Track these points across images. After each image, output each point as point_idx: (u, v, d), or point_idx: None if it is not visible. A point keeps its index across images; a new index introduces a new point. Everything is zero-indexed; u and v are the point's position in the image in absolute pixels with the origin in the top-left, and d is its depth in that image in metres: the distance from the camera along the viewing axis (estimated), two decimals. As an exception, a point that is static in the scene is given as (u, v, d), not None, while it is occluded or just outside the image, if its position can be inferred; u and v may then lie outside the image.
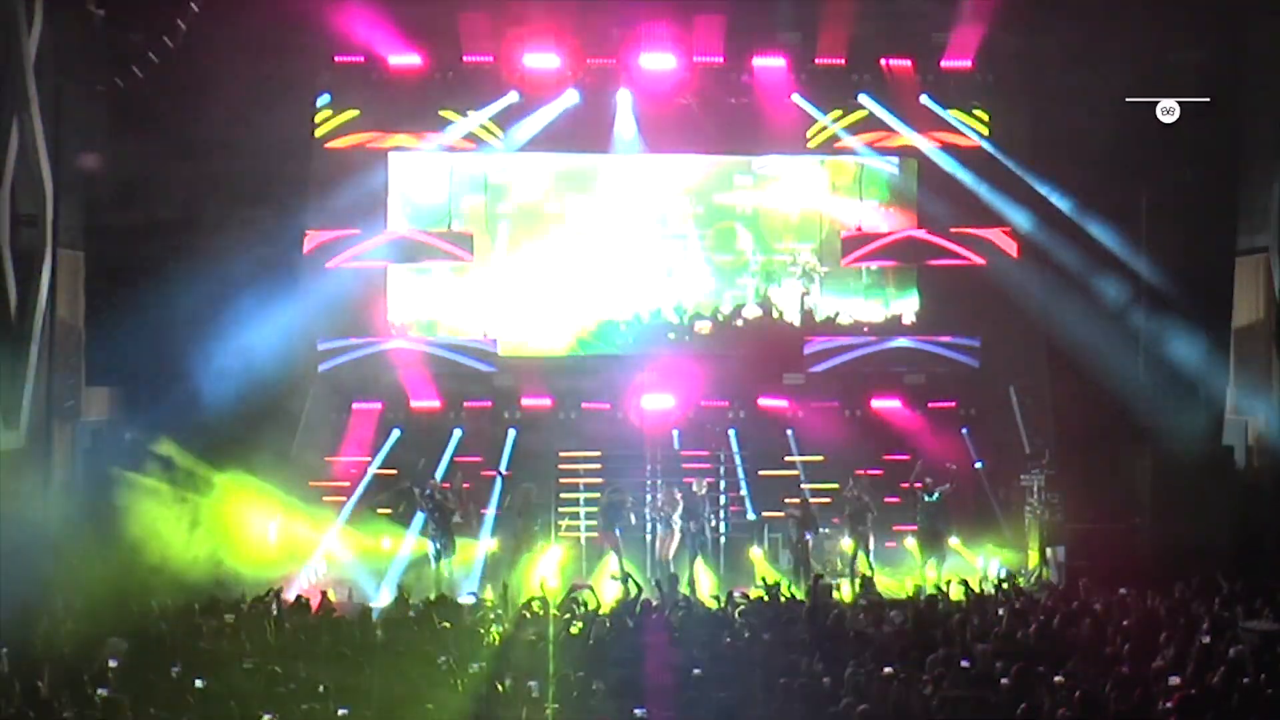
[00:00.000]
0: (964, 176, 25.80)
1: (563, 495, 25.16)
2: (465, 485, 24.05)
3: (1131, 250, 22.36)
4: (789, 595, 19.14)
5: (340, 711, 13.10)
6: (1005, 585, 19.99)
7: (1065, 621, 16.86)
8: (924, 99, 25.83)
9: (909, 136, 25.96)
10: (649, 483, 25.12)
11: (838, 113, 25.96)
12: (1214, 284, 22.60)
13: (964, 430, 25.72)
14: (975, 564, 23.44)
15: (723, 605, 18.13)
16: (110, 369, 22.11)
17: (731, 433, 25.93)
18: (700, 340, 26.46)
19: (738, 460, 25.55)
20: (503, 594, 18.87)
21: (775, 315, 26.67)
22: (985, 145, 25.61)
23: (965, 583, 19.39)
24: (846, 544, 23.70)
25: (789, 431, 25.99)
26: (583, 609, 17.67)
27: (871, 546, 23.40)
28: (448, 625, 16.54)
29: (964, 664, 14.80)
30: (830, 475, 24.86)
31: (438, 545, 22.65)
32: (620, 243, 26.68)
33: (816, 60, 25.60)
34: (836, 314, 26.80)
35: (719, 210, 26.81)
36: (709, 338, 26.49)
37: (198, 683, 13.95)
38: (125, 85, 21.24)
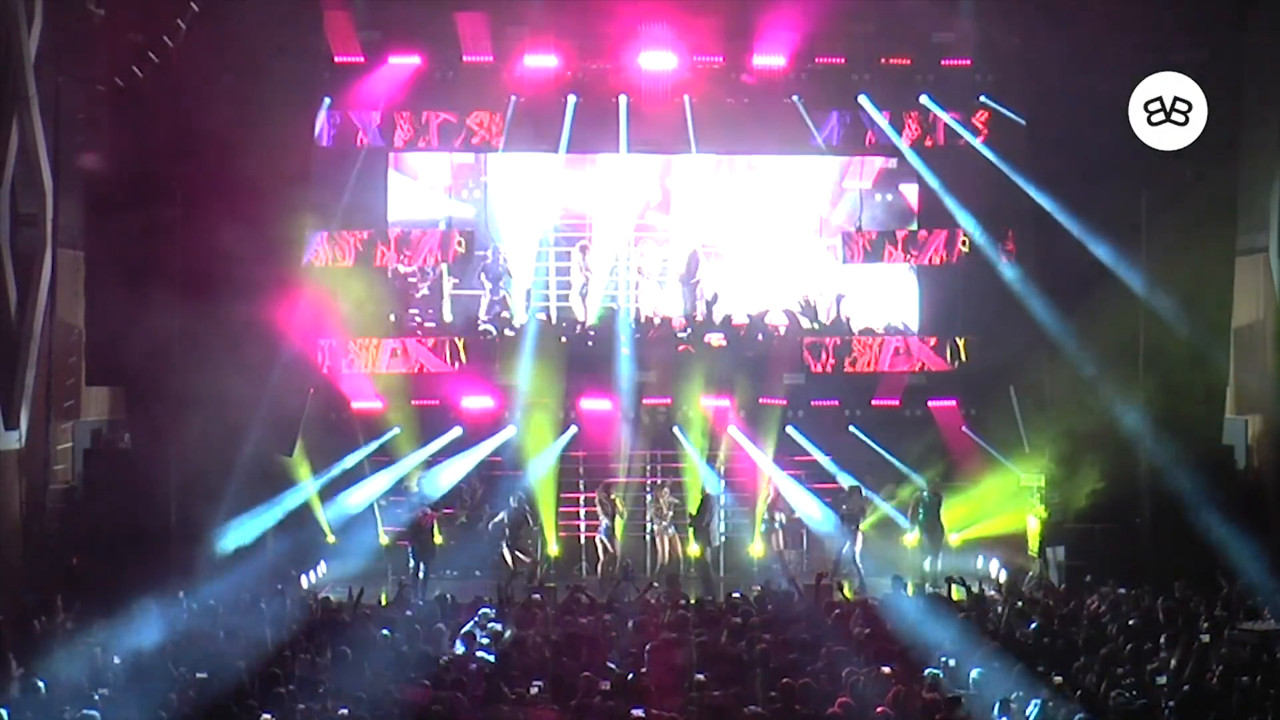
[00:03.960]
0: (962, 176, 25.84)
1: (563, 495, 25.27)
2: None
3: (1131, 250, 22.34)
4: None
5: (341, 711, 13.13)
6: (1005, 585, 20.03)
7: (1065, 621, 16.88)
8: (924, 99, 25.89)
9: (908, 136, 26.05)
10: (649, 483, 25.16)
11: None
12: (1214, 284, 22.57)
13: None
14: (975, 564, 23.46)
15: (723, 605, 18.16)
16: (110, 369, 22.08)
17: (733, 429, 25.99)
18: (710, 351, 26.50)
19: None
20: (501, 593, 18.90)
21: (805, 324, 26.68)
22: (985, 144, 25.64)
23: (964, 582, 19.41)
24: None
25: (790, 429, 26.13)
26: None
27: (859, 548, 23.53)
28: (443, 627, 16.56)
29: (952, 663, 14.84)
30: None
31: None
32: (624, 243, 26.76)
33: (817, 60, 25.63)
34: (886, 326, 26.81)
35: (732, 207, 26.88)
36: (718, 349, 26.52)
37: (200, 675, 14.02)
38: (125, 85, 21.20)
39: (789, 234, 27.03)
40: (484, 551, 23.79)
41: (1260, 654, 15.35)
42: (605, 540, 23.88)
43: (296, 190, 22.22)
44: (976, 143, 25.69)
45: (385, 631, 16.15)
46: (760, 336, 26.65)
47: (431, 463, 24.74)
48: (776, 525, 24.27)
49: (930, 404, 26.40)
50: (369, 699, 13.39)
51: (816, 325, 26.72)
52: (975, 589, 19.27)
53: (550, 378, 25.93)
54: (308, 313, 23.01)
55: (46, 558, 20.76)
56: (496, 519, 23.93)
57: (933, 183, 26.17)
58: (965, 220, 25.77)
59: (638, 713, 13.03)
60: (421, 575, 22.53)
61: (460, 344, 25.62)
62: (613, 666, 14.73)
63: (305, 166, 22.75)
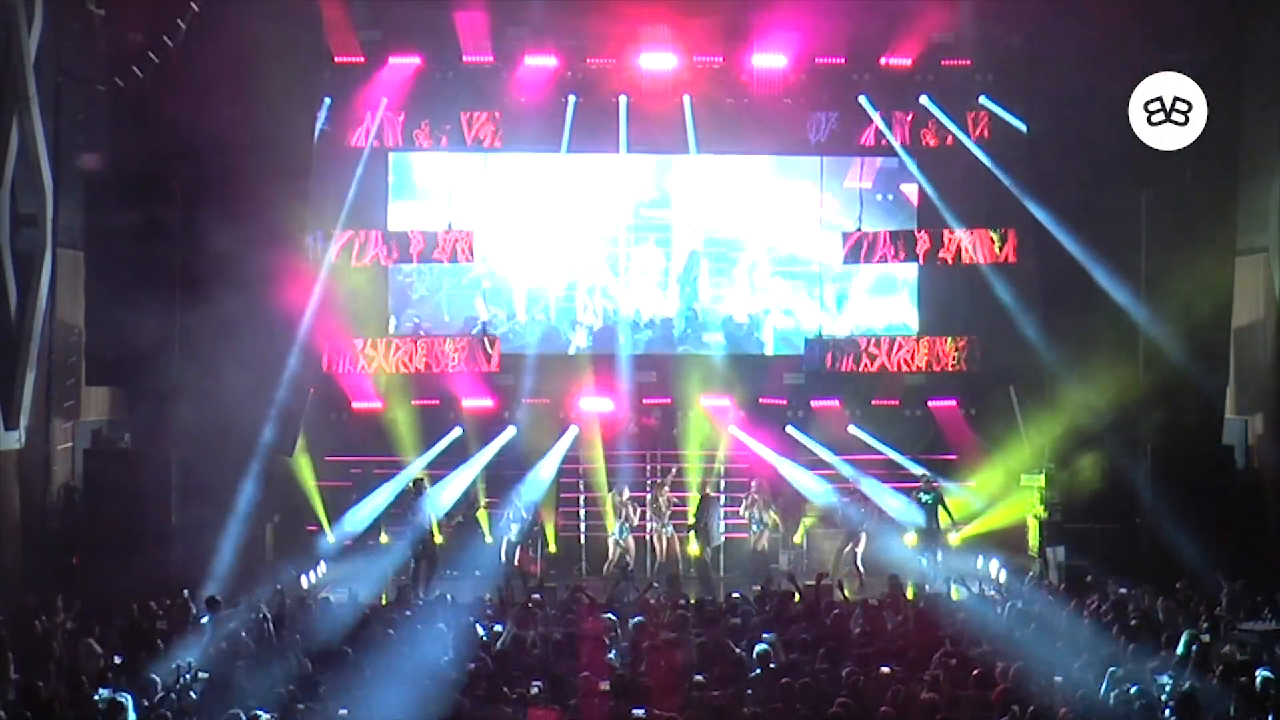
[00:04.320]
0: (962, 176, 25.83)
1: (563, 495, 25.28)
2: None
3: (1131, 251, 22.36)
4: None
5: (341, 711, 13.12)
6: (1005, 585, 19.99)
7: (1066, 621, 16.89)
8: (924, 99, 25.88)
9: (908, 136, 26.06)
10: (649, 483, 25.17)
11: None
12: (1214, 284, 22.57)
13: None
14: (975, 564, 23.46)
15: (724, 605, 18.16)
16: (110, 369, 22.08)
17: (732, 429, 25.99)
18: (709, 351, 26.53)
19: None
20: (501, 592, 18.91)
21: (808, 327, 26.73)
22: (984, 145, 25.63)
23: (964, 582, 19.41)
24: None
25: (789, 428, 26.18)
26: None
27: (862, 548, 23.56)
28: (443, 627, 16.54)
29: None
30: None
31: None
32: (619, 244, 26.76)
33: (817, 60, 25.62)
34: (886, 325, 26.81)
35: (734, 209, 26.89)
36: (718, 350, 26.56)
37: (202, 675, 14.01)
38: (125, 85, 21.21)
39: (788, 233, 27.00)
40: (484, 551, 23.77)
41: (1260, 654, 15.35)
42: (620, 541, 23.79)
43: (296, 190, 22.24)
44: (975, 146, 25.65)
45: (389, 631, 16.16)
46: (760, 336, 26.66)
47: (435, 473, 24.66)
48: (755, 527, 24.26)
49: (930, 404, 26.44)
50: (369, 699, 13.38)
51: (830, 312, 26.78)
52: (975, 589, 19.27)
53: (550, 378, 25.95)
54: (307, 313, 23.01)
55: (46, 558, 20.76)
56: (500, 520, 23.92)
57: (929, 189, 26.18)
58: (959, 227, 25.76)
59: (638, 713, 13.03)
60: (422, 575, 22.51)
61: (466, 344, 25.60)
62: (613, 666, 14.74)
63: (305, 166, 22.76)
